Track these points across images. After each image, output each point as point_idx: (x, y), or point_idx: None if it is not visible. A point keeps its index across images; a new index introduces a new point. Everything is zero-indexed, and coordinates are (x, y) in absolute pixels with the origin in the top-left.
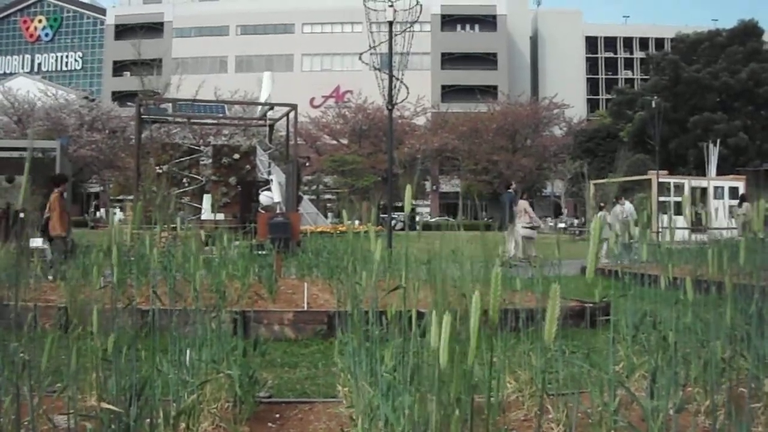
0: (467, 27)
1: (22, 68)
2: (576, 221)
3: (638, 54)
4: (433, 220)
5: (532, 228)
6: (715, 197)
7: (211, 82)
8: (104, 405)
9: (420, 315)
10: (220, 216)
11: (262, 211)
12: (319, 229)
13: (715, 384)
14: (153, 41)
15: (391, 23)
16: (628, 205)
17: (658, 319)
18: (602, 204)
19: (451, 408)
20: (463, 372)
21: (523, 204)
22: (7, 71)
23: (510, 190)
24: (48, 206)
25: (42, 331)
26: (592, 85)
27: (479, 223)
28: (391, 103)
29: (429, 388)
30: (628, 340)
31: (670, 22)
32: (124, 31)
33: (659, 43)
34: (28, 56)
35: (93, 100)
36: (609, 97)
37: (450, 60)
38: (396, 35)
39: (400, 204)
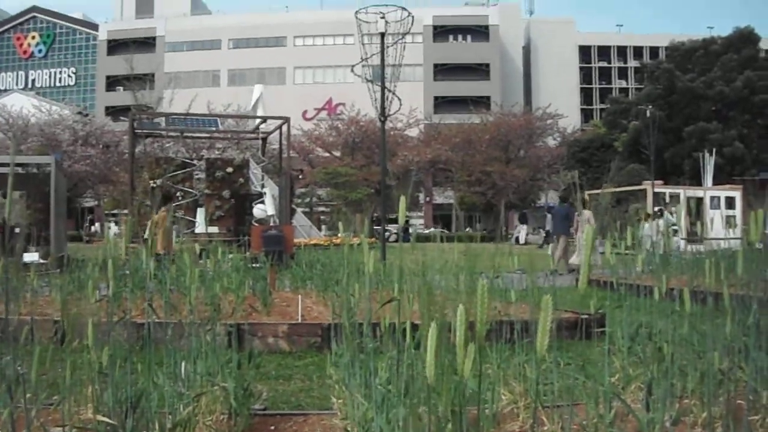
0: (459, 38)
1: (16, 85)
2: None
3: (632, 63)
4: (427, 231)
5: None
6: (712, 207)
7: (204, 96)
8: (100, 417)
9: (414, 327)
10: (214, 229)
11: (256, 224)
12: (312, 242)
13: (712, 396)
14: (145, 56)
15: (382, 35)
16: (666, 215)
17: (654, 331)
18: (644, 215)
19: (445, 420)
20: (456, 384)
21: (587, 214)
22: (1, 88)
23: (566, 204)
24: (155, 223)
25: (40, 345)
26: (586, 95)
27: (474, 234)
28: (383, 114)
29: (421, 400)
30: (623, 351)
31: (664, 30)
32: (116, 46)
33: (654, 51)
34: (21, 73)
35: (87, 116)
36: (603, 106)
37: (442, 71)
38: (388, 47)
39: (393, 216)
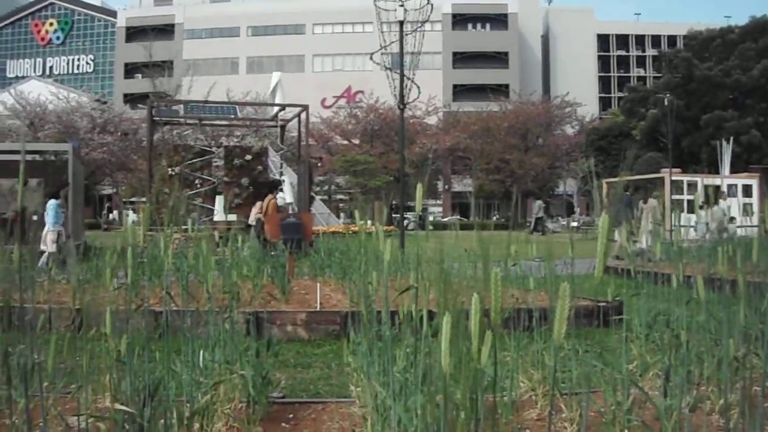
0: (478, 26)
1: (34, 71)
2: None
3: (650, 51)
4: (445, 219)
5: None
6: (729, 195)
7: (223, 84)
8: (118, 406)
9: (432, 315)
10: (233, 217)
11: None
12: (331, 230)
13: (728, 383)
14: (164, 43)
15: (401, 23)
16: (723, 203)
17: (672, 318)
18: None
19: (463, 408)
20: (473, 372)
21: (653, 203)
22: (19, 74)
23: (627, 193)
24: (264, 211)
25: (57, 333)
26: (604, 83)
27: (488, 223)
28: (402, 102)
29: (438, 388)
30: (641, 338)
31: (682, 19)
32: (135, 33)
33: (672, 40)
34: (39, 59)
35: (105, 103)
36: (621, 95)
37: (461, 59)
38: (407, 35)
39: (412, 204)
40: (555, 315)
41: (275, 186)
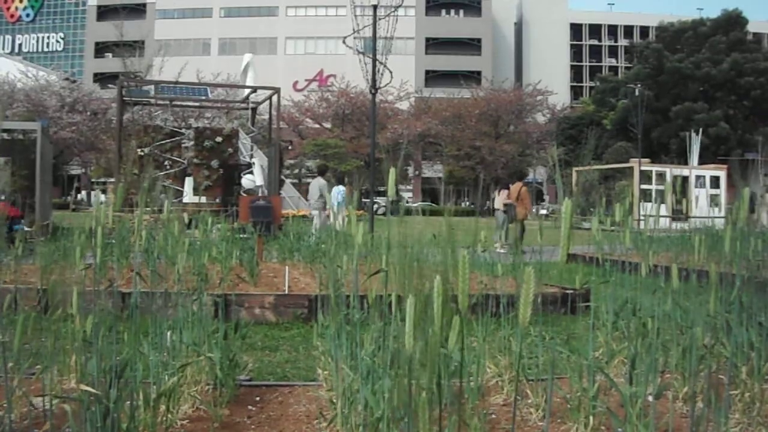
0: (452, 12)
1: (3, 49)
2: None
3: (623, 42)
4: (415, 205)
5: None
6: (697, 186)
7: (194, 65)
8: (84, 387)
9: (401, 299)
10: (202, 199)
11: (244, 195)
12: (301, 213)
13: (693, 371)
14: (135, 22)
15: (375, 7)
16: None
17: (638, 306)
18: None
19: (429, 392)
20: (439, 357)
21: None
22: None
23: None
24: (517, 195)
25: (23, 313)
26: (576, 73)
27: (463, 208)
28: (374, 87)
29: (404, 372)
30: (608, 326)
31: (655, 10)
32: (106, 12)
33: (644, 31)
34: (8, 37)
35: (74, 82)
36: (593, 84)
37: (434, 45)
38: (380, 19)
39: (382, 189)
40: (520, 299)
41: (523, 175)
